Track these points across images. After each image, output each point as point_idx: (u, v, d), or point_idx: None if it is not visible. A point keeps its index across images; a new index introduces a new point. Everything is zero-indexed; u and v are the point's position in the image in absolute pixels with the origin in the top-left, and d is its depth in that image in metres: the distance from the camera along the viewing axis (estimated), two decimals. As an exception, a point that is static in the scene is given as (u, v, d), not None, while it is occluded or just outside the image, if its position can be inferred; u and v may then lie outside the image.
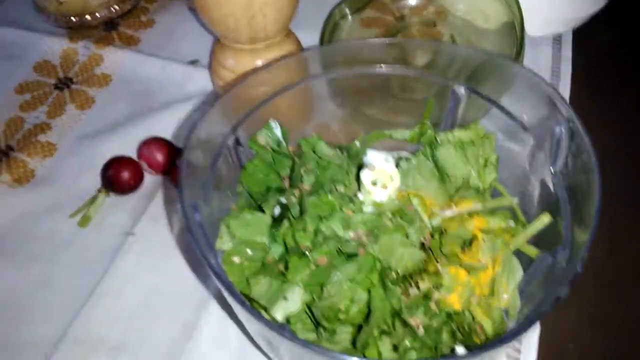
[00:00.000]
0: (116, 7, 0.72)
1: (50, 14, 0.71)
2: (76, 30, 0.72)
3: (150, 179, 0.58)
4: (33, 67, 0.70)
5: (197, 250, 0.31)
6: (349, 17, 0.67)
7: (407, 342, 0.34)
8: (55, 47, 0.71)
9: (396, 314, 0.34)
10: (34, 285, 0.51)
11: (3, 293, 0.51)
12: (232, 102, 0.43)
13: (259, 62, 0.55)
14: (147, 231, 0.54)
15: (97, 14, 0.72)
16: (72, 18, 0.71)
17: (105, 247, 0.53)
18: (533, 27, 0.65)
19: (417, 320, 0.34)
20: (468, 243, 0.39)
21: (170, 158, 0.58)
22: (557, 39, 0.68)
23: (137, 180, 0.57)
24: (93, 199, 0.56)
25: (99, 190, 0.57)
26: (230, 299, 0.30)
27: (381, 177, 0.37)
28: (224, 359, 0.46)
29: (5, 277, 0.52)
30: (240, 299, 0.29)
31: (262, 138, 0.42)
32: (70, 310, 0.49)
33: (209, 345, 0.47)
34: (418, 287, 0.35)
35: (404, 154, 0.47)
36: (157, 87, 0.67)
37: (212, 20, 0.49)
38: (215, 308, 0.49)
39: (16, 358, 0.47)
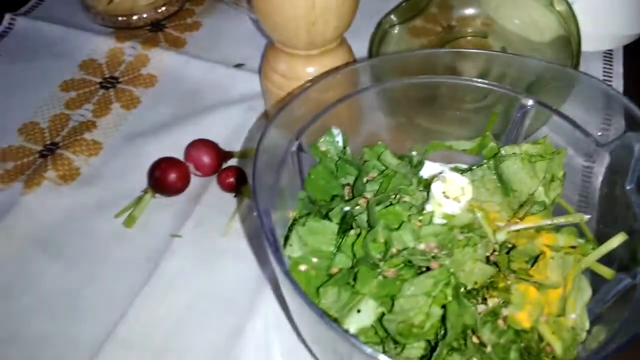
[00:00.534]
0: (163, 8, 0.73)
1: (98, 13, 0.72)
2: (123, 30, 0.72)
3: (197, 181, 0.58)
4: (79, 65, 0.70)
5: (273, 258, 0.30)
6: (398, 26, 0.66)
7: (475, 359, 0.33)
8: (101, 46, 0.71)
9: (466, 330, 0.33)
10: (80, 284, 0.51)
11: (49, 290, 0.50)
12: (293, 110, 0.42)
13: (312, 68, 0.54)
14: (193, 233, 0.54)
15: (144, 15, 0.72)
16: (119, 18, 0.71)
17: (151, 248, 0.53)
18: (584, 43, 0.64)
19: (486, 337, 0.33)
20: (534, 260, 0.38)
21: (217, 160, 0.57)
22: (608, 55, 0.67)
23: (184, 182, 0.57)
24: (139, 199, 0.56)
25: (145, 191, 0.57)
26: (304, 309, 0.29)
27: (452, 188, 0.36)
28: (269, 366, 0.46)
29: (52, 274, 0.51)
30: (318, 310, 0.28)
31: (324, 145, 0.41)
32: (116, 310, 0.49)
33: (255, 351, 0.47)
34: (486, 303, 0.35)
35: (461, 166, 0.46)
36: (203, 89, 0.67)
37: (273, 25, 0.49)
38: (261, 315, 0.48)
39: (61, 357, 0.46)
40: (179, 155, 0.58)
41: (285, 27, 0.48)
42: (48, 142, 0.62)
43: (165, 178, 0.55)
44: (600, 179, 0.43)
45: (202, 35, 0.73)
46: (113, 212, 0.56)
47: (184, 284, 0.51)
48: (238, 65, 0.69)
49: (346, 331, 0.29)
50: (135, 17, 0.72)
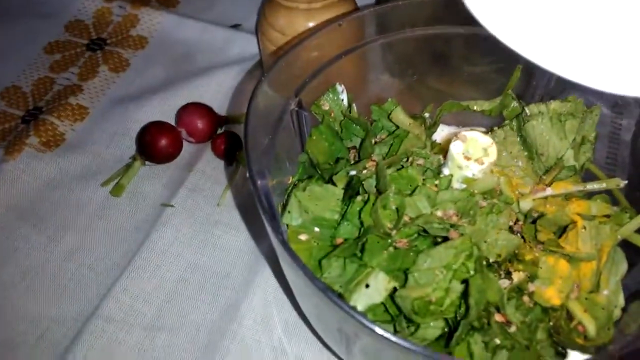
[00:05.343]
0: (153, -36, 0.68)
1: (84, -31, 0.67)
2: (111, -12, 0.67)
3: (190, 148, 0.54)
4: (64, 26, 0.65)
5: (269, 226, 0.26)
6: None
7: (498, 340, 0.29)
8: (88, 6, 0.66)
9: (489, 308, 0.29)
10: (64, 256, 0.47)
11: (31, 263, 0.47)
12: (291, 63, 0.38)
13: (313, 24, 0.50)
14: (186, 203, 0.50)
15: (133, -28, 0.67)
16: (107, -25, 0.66)
17: (141, 218, 0.49)
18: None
19: (512, 316, 0.29)
20: (562, 230, 0.34)
21: (211, 126, 0.53)
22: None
23: (175, 149, 0.52)
24: (127, 167, 0.52)
25: (134, 158, 0.53)
26: (304, 283, 0.26)
27: (473, 149, 0.32)
28: (268, 344, 0.42)
29: (34, 247, 0.48)
30: (320, 284, 0.24)
31: (327, 103, 0.37)
32: (102, 285, 0.45)
33: (252, 328, 0.43)
34: (510, 278, 0.31)
35: (478, 129, 0.42)
36: (197, 51, 0.62)
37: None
38: (260, 289, 0.45)
39: (40, 335, 0.43)
40: (171, 120, 0.54)
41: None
42: (31, 107, 0.58)
43: (155, 144, 0.51)
44: (630, 135, 0.39)
45: (195, -7, 0.68)
46: (100, 181, 0.52)
47: (176, 257, 0.47)
48: (234, 26, 0.64)
49: (353, 308, 0.25)
50: (123, -26, 0.66)
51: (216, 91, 0.58)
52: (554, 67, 0.24)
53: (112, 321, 0.43)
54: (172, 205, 0.49)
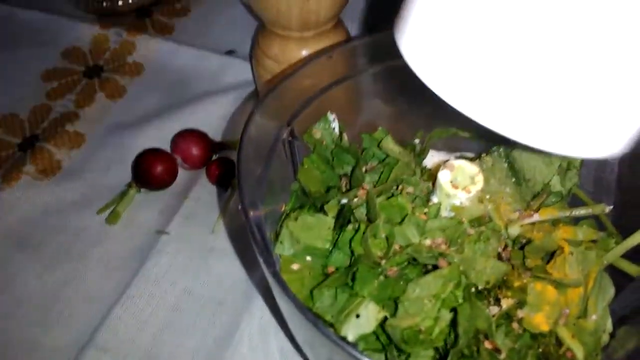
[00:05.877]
0: (149, -7, 0.69)
1: (81, -2, 0.68)
2: (107, 16, 0.69)
3: (185, 174, 0.54)
4: (61, 54, 0.66)
5: (260, 257, 0.27)
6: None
7: (488, 368, 0.29)
8: (85, 33, 0.67)
9: (478, 335, 0.29)
10: (59, 284, 0.48)
11: (26, 292, 0.47)
12: (283, 93, 0.39)
13: (306, 52, 0.51)
14: (181, 230, 0.50)
15: (129, 0, 0.68)
16: (104, 3, 0.68)
17: (136, 246, 0.50)
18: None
19: (501, 343, 0.29)
20: (549, 256, 0.34)
21: (206, 152, 0.54)
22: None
23: (171, 175, 0.53)
24: (123, 194, 0.53)
25: (129, 185, 0.53)
26: (296, 314, 0.26)
27: (460, 177, 0.33)
28: (264, 373, 0.43)
29: (29, 275, 0.48)
30: (311, 315, 0.25)
31: (319, 131, 0.38)
32: (97, 313, 0.46)
33: (248, 355, 0.43)
34: (499, 305, 0.31)
35: (467, 154, 0.43)
36: (192, 78, 0.63)
37: (263, 3, 0.45)
38: (255, 316, 0.45)
39: (37, 364, 0.43)
40: (166, 147, 0.55)
41: (275, 4, 0.44)
42: (27, 135, 0.59)
43: (151, 171, 0.52)
44: (616, 160, 0.39)
45: (191, 21, 0.69)
46: (96, 208, 0.52)
47: (171, 284, 0.47)
48: (229, 52, 0.65)
49: (344, 339, 0.25)
50: (120, 3, 0.68)
51: (211, 117, 0.59)
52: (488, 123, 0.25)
53: (107, 350, 0.43)
54: (167, 233, 0.50)
